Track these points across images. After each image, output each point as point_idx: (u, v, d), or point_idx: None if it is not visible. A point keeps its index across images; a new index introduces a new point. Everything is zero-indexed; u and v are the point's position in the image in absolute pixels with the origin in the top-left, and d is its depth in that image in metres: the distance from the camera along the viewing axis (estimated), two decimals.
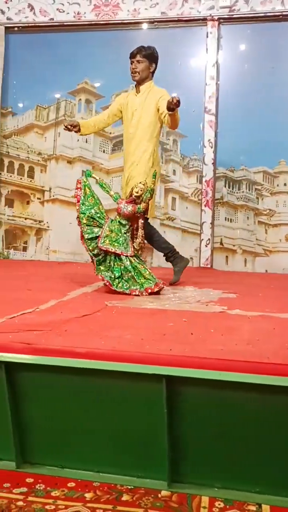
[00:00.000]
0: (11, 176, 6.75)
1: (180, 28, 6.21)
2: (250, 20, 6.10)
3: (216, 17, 6.07)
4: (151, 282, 4.05)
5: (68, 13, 6.38)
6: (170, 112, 4.18)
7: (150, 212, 4.49)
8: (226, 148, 6.26)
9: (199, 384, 1.49)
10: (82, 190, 4.14)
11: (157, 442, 1.57)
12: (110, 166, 6.54)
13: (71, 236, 6.42)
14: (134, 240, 4.11)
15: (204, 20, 6.11)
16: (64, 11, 6.39)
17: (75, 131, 4.58)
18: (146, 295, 3.99)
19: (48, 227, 6.74)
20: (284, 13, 5.99)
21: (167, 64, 6.26)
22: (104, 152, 6.55)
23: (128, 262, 4.04)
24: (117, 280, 4.05)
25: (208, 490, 1.71)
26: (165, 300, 3.87)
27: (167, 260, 4.81)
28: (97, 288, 4.37)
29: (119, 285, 4.05)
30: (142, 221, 4.17)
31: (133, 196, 4.10)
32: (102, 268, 4.08)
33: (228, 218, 6.34)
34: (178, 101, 4.10)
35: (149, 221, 4.64)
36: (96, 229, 4.08)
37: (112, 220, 4.12)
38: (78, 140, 6.53)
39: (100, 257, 4.08)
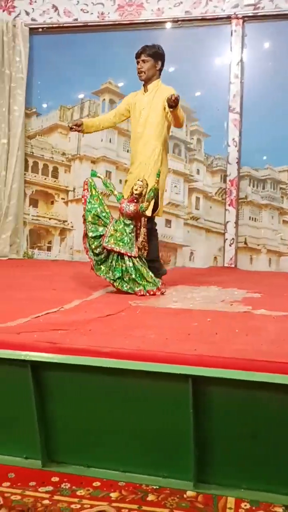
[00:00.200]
0: (35, 176, 6.79)
1: (204, 27, 6.19)
2: (274, 18, 6.05)
3: (240, 15, 6.04)
4: (153, 285, 4.04)
5: (92, 13, 6.40)
6: (170, 110, 4.17)
7: (159, 211, 4.47)
8: (250, 147, 6.22)
9: (225, 384, 1.48)
10: (89, 191, 4.15)
11: (182, 442, 1.56)
12: None
13: None
14: (137, 239, 4.09)
15: (228, 18, 6.08)
16: (88, 12, 6.41)
17: (79, 131, 4.59)
18: (147, 296, 3.95)
19: (72, 227, 6.77)
20: None
21: (192, 63, 6.27)
22: (128, 151, 6.54)
23: (130, 263, 4.01)
24: (118, 281, 4.02)
25: (234, 491, 1.69)
26: (190, 300, 3.85)
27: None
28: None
29: (118, 286, 4.03)
30: (145, 220, 4.15)
31: (134, 194, 4.08)
32: (103, 268, 4.06)
33: (252, 218, 6.30)
34: (177, 98, 4.08)
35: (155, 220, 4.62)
36: (100, 228, 4.07)
37: (116, 220, 4.11)
38: (102, 140, 6.54)
39: (102, 256, 4.05)
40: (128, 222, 4.08)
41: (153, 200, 4.28)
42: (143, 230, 4.13)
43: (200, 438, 1.54)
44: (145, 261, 4.12)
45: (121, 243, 4.01)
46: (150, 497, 1.85)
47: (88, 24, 6.44)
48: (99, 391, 1.62)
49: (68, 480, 1.96)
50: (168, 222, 6.45)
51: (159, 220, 6.39)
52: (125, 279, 4.01)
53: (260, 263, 6.27)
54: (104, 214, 4.11)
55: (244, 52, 6.13)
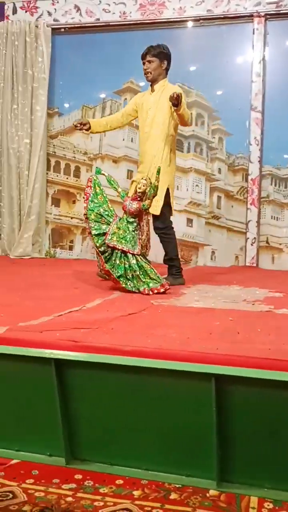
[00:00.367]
0: (57, 175, 6.83)
1: (226, 25, 6.16)
2: None
3: (262, 13, 6.00)
4: (157, 282, 4.01)
5: (114, 13, 6.41)
6: (174, 108, 4.20)
7: (155, 209, 4.44)
8: (272, 146, 6.18)
9: (248, 383, 1.48)
10: (93, 188, 4.17)
11: (205, 440, 1.56)
12: None
13: None
14: (140, 237, 4.09)
15: (250, 16, 6.05)
16: (110, 11, 6.42)
17: (85, 129, 4.62)
18: (151, 295, 3.94)
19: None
20: None
21: (213, 62, 6.25)
22: None
23: (134, 261, 3.99)
24: (121, 278, 4.01)
25: (257, 491, 1.68)
26: (211, 299, 3.84)
27: (166, 263, 4.70)
28: None
29: (123, 284, 4.01)
30: (149, 218, 4.17)
31: (137, 192, 4.09)
32: (107, 266, 4.04)
33: (274, 217, 6.26)
34: (178, 96, 4.09)
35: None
36: (104, 226, 4.08)
37: (120, 218, 4.12)
38: (123, 140, 6.56)
39: (107, 254, 4.05)
40: (131, 220, 4.08)
41: (161, 199, 4.33)
42: (145, 229, 4.14)
43: (223, 437, 1.54)
44: (147, 259, 4.11)
45: (123, 241, 4.01)
46: (173, 496, 1.86)
47: (110, 23, 6.45)
48: (123, 390, 1.63)
49: (91, 477, 1.97)
50: (189, 221, 6.44)
51: (181, 220, 6.41)
52: (128, 277, 4.00)
53: (282, 262, 6.23)
54: (107, 213, 4.13)
55: (266, 50, 6.09)
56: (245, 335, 2.76)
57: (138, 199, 4.06)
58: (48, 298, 3.83)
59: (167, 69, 4.63)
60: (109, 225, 4.08)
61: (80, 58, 6.67)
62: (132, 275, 3.99)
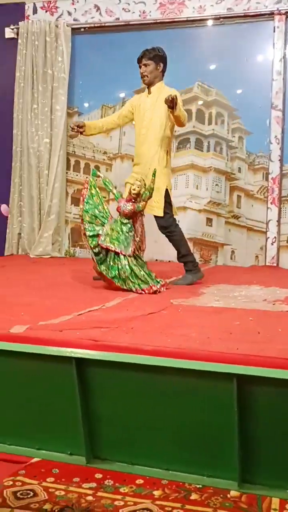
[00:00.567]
0: (77, 175, 6.84)
1: (246, 23, 6.13)
2: None
3: (283, 11, 5.95)
4: (146, 284, 4.04)
5: (133, 12, 6.41)
6: (170, 110, 4.24)
7: (158, 211, 4.51)
8: None
9: (270, 383, 1.47)
10: (89, 190, 4.22)
11: (227, 441, 1.56)
12: (174, 164, 6.51)
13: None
14: (135, 239, 4.11)
15: (271, 14, 6.00)
16: (129, 11, 6.42)
17: (81, 132, 4.67)
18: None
19: None
20: None
21: (233, 60, 6.22)
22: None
23: (125, 262, 4.02)
24: (115, 279, 4.05)
25: (279, 492, 1.67)
26: (231, 299, 3.83)
27: (181, 261, 4.73)
28: None
29: (118, 284, 4.05)
30: (141, 219, 4.20)
31: (131, 194, 4.11)
32: (103, 267, 4.08)
33: None
34: (173, 99, 4.13)
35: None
36: (98, 227, 4.12)
37: (115, 220, 4.15)
38: None
39: (101, 255, 4.08)
40: (125, 221, 4.11)
41: (162, 200, 4.38)
42: (140, 230, 4.17)
43: (245, 437, 1.53)
44: (142, 260, 4.15)
45: (116, 242, 4.04)
46: (194, 496, 1.85)
47: (130, 23, 6.45)
48: (144, 389, 1.62)
49: (111, 477, 1.97)
50: (209, 220, 6.42)
51: (200, 219, 6.39)
52: (122, 277, 4.03)
53: None
54: (102, 214, 4.18)
55: (287, 48, 6.05)
56: (265, 335, 2.74)
57: (133, 200, 4.09)
58: (68, 297, 3.85)
59: (163, 72, 4.70)
60: (104, 226, 4.12)
61: (100, 58, 6.68)
62: (125, 276, 4.02)
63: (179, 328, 2.87)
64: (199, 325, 2.98)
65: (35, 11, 6.78)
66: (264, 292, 4.16)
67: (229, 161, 6.37)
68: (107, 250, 4.05)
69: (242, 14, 6.07)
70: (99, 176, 4.36)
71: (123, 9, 6.45)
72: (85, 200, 4.19)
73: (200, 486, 1.87)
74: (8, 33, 6.83)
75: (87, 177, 4.27)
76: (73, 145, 6.85)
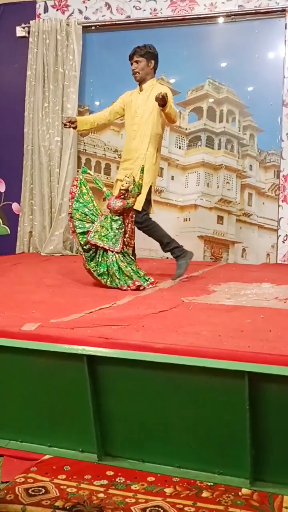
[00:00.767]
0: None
1: (257, 20, 6.10)
2: None
3: None
4: (131, 280, 4.07)
5: (144, 10, 6.40)
6: (161, 108, 4.27)
7: (137, 205, 4.50)
8: None
9: (283, 381, 1.46)
10: (78, 188, 4.26)
11: (238, 438, 1.55)
12: (186, 162, 6.52)
13: None
14: (124, 235, 4.16)
15: (282, 11, 5.96)
16: (140, 8, 6.41)
17: (73, 128, 4.73)
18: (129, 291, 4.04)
19: None
20: None
21: (244, 58, 6.20)
22: (180, 148, 6.54)
23: (113, 258, 4.07)
24: (104, 276, 4.10)
25: None
26: (242, 297, 3.82)
27: (166, 251, 4.80)
28: (173, 284, 4.38)
29: (103, 281, 4.11)
30: (133, 216, 4.25)
31: (120, 190, 4.15)
32: (92, 264, 4.14)
33: None
34: (163, 97, 4.15)
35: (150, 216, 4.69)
36: (88, 225, 4.17)
37: (105, 217, 4.20)
38: None
39: (91, 252, 4.13)
40: (115, 218, 4.16)
41: (144, 196, 4.40)
42: (130, 226, 4.21)
43: (256, 435, 1.53)
44: (130, 257, 4.20)
45: (105, 239, 4.09)
46: (205, 494, 1.85)
47: (141, 20, 6.44)
48: (155, 387, 1.62)
49: (122, 474, 1.98)
50: (220, 218, 6.41)
51: (211, 217, 6.38)
52: (110, 273, 4.08)
53: None
54: (92, 212, 4.23)
55: None
56: (277, 333, 2.74)
57: (122, 197, 4.12)
58: (79, 295, 3.86)
59: (154, 69, 4.76)
60: (94, 223, 4.16)
61: (111, 56, 6.68)
62: (113, 271, 4.07)
63: (190, 326, 2.87)
64: (210, 323, 2.98)
65: (46, 9, 6.79)
66: (276, 290, 4.14)
67: (240, 159, 6.35)
68: (97, 247, 4.10)
69: (254, 11, 6.05)
70: (89, 174, 4.41)
71: (134, 6, 6.44)
72: (74, 198, 4.23)
73: (212, 483, 1.87)
74: (20, 32, 6.84)
75: (77, 175, 4.30)
76: (84, 143, 6.86)
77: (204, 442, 1.64)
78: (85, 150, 6.86)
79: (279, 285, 4.36)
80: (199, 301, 3.65)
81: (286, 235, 6.13)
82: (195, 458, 1.65)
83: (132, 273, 4.09)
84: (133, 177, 4.18)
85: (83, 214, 4.19)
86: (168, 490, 1.87)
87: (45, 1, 6.79)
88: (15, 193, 6.97)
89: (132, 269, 4.12)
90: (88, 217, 4.19)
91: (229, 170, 6.37)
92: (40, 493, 1.88)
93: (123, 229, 4.15)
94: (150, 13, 6.39)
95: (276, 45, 6.09)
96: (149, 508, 1.78)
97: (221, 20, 6.22)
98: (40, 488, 1.91)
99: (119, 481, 1.94)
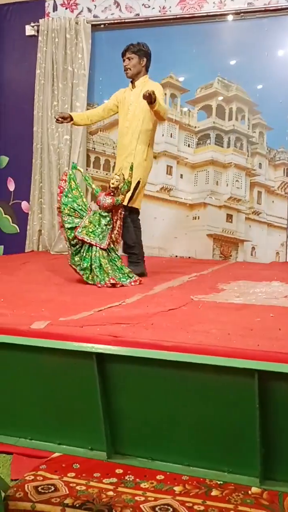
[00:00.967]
0: (97, 171, 6.85)
1: (267, 18, 6.08)
2: None
3: None
4: (107, 278, 4.12)
5: (153, 8, 6.39)
6: (149, 105, 4.30)
7: (137, 203, 4.64)
8: None
9: None
10: (67, 183, 4.30)
11: (248, 437, 1.54)
12: (195, 160, 6.50)
13: (156, 230, 6.45)
14: (111, 232, 4.21)
15: None
16: (149, 6, 6.41)
17: (67, 122, 4.80)
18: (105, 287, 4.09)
19: None
20: None
21: (254, 56, 6.18)
22: (189, 146, 6.52)
23: (97, 254, 4.13)
24: (87, 271, 4.17)
25: None
26: (252, 295, 3.81)
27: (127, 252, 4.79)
28: (183, 283, 4.38)
29: (85, 275, 4.18)
30: (122, 213, 4.31)
31: (110, 187, 4.18)
32: (76, 259, 4.21)
33: None
34: (150, 95, 4.17)
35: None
36: (76, 220, 4.21)
37: (94, 212, 4.24)
38: (162, 135, 6.54)
39: (77, 247, 4.20)
40: (104, 214, 4.21)
41: (130, 191, 4.43)
42: (118, 223, 4.26)
43: (266, 434, 1.52)
44: (116, 254, 4.26)
45: (92, 235, 4.15)
46: (214, 492, 1.84)
47: (150, 19, 6.43)
48: (164, 385, 1.62)
49: (132, 472, 1.97)
50: (229, 216, 6.39)
51: (220, 215, 6.37)
52: (91, 268, 4.15)
53: None
54: (80, 207, 4.27)
55: None
56: (286, 332, 2.73)
57: (112, 194, 4.14)
58: (88, 293, 3.86)
59: (147, 67, 4.81)
60: (82, 219, 4.20)
61: (120, 54, 6.65)
62: (94, 267, 4.13)
63: (199, 324, 2.87)
64: (219, 321, 2.97)
65: (55, 8, 6.80)
66: (285, 288, 4.13)
67: (250, 157, 6.33)
68: (83, 242, 4.15)
69: (263, 9, 6.03)
70: (78, 170, 4.45)
71: (143, 5, 6.44)
72: (63, 193, 4.27)
73: (221, 482, 1.87)
74: (29, 30, 6.86)
75: (66, 170, 4.35)
76: (93, 141, 6.86)
77: (213, 440, 1.63)
78: (94, 148, 6.86)
79: None
80: (208, 299, 3.64)
81: None
82: (204, 456, 1.65)
83: (110, 270, 4.14)
84: (123, 174, 4.22)
85: (71, 209, 4.24)
86: (177, 489, 1.87)
87: (54, 0, 6.80)
88: (24, 192, 6.99)
89: (116, 265, 4.20)
90: (76, 212, 4.25)
91: (238, 168, 6.35)
92: (50, 490, 1.88)
93: (111, 225, 4.21)
94: (159, 11, 6.38)
95: (285, 43, 6.07)
96: (159, 506, 1.78)
97: (230, 17, 6.21)
98: (50, 486, 1.91)
99: (128, 479, 1.94)
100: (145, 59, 4.77)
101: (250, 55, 6.21)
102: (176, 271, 4.92)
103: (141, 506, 1.77)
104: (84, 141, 6.68)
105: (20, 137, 6.97)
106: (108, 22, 6.61)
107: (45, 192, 6.79)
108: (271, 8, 6.01)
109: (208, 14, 6.21)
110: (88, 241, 4.13)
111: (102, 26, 6.66)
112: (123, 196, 4.23)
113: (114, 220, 4.24)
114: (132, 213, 4.67)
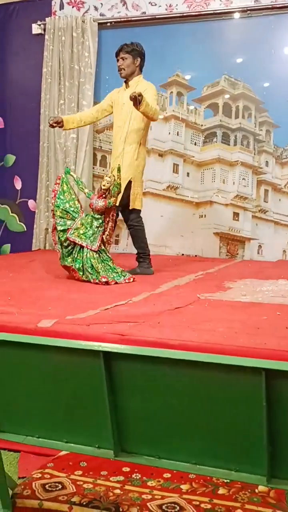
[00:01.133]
0: (103, 170, 6.86)
1: (273, 15, 6.06)
2: None
3: None
4: (99, 276, 4.17)
5: (160, 6, 6.39)
6: (135, 107, 4.31)
7: (137, 204, 4.69)
8: None
9: None
10: (60, 186, 4.38)
11: (255, 435, 1.54)
12: (201, 158, 6.50)
13: (162, 229, 6.45)
14: (103, 234, 4.26)
15: None
16: (156, 4, 6.40)
17: (59, 127, 4.83)
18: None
19: None
20: None
21: (260, 53, 6.17)
22: (195, 144, 6.52)
23: (88, 255, 4.18)
24: (80, 272, 4.23)
25: None
26: (258, 293, 3.81)
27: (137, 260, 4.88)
28: (189, 281, 4.38)
29: (79, 275, 4.24)
30: (114, 215, 4.36)
31: (101, 190, 4.23)
32: (69, 260, 4.28)
33: None
34: (135, 97, 4.19)
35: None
36: (69, 222, 4.29)
37: (86, 214, 4.32)
38: (169, 133, 6.54)
39: (69, 248, 4.27)
40: (97, 216, 4.26)
41: (121, 191, 4.47)
42: (110, 225, 4.31)
43: (274, 432, 1.52)
44: (107, 255, 4.31)
45: (83, 237, 4.21)
46: (221, 491, 1.84)
47: (156, 17, 6.43)
48: (171, 383, 1.62)
49: (138, 470, 1.97)
50: (236, 215, 6.39)
51: (227, 213, 6.36)
52: (83, 269, 4.21)
53: None
54: (73, 209, 4.34)
55: None
56: None
57: (104, 196, 4.18)
58: (95, 291, 3.87)
59: (141, 67, 4.84)
60: (75, 220, 4.27)
61: None
62: (85, 268, 4.19)
63: (206, 323, 2.87)
64: (226, 319, 2.97)
65: (61, 6, 6.81)
66: None
67: (256, 155, 6.32)
68: (75, 244, 4.22)
69: (270, 6, 6.01)
70: (71, 175, 4.50)
71: (149, 3, 6.43)
72: (56, 195, 4.35)
73: (228, 480, 1.86)
74: (35, 29, 6.87)
75: (60, 174, 4.42)
76: (100, 140, 6.86)
77: (220, 439, 1.63)
78: (101, 147, 6.87)
79: None
80: (215, 298, 3.64)
81: None
82: (211, 455, 1.65)
83: (101, 270, 4.19)
84: (114, 176, 4.27)
85: (64, 211, 4.31)
86: (184, 487, 1.87)
87: None
88: (31, 190, 7.00)
89: (109, 265, 4.26)
90: (69, 214, 4.32)
91: (245, 167, 6.34)
92: (57, 488, 1.88)
93: (103, 228, 4.26)
94: (166, 9, 6.37)
95: None
96: (166, 505, 1.77)
97: (237, 15, 6.20)
98: (57, 484, 1.91)
99: (135, 477, 1.94)
100: (139, 59, 4.79)
101: (256, 53, 6.19)
102: (183, 269, 4.92)
103: (148, 504, 1.77)
104: (90, 139, 6.69)
105: (27, 136, 6.99)
106: (114, 20, 6.61)
107: (51, 191, 6.80)
108: (278, 6, 5.99)
109: (215, 11, 6.20)
110: (79, 243, 4.20)
111: (108, 24, 6.66)
112: (114, 198, 4.28)
113: (106, 222, 4.29)
114: (133, 213, 4.72)
